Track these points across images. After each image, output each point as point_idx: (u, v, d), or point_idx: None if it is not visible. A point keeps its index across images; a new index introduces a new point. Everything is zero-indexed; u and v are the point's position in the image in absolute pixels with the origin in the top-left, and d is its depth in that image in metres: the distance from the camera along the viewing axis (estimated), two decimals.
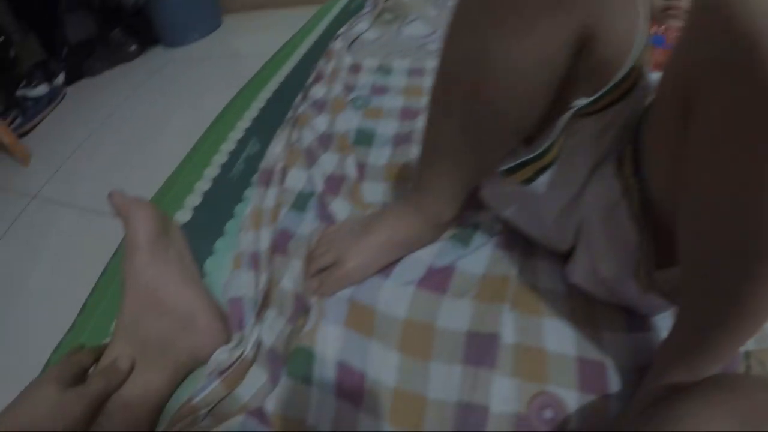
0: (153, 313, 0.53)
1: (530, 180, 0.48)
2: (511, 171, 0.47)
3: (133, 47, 1.71)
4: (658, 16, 0.93)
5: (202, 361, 0.53)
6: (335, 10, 1.42)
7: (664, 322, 0.50)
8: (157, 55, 1.70)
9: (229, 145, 0.86)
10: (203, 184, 0.77)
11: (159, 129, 1.18)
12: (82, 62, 1.71)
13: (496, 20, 0.42)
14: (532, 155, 0.46)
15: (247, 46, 1.60)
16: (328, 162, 0.72)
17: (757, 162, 0.30)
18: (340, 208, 0.64)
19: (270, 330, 0.54)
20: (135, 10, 1.69)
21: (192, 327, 0.53)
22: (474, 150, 0.51)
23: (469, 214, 0.60)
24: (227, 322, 0.56)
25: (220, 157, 0.83)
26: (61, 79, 1.65)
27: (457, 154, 0.52)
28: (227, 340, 0.54)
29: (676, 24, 0.92)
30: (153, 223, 0.56)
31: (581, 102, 0.43)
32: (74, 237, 0.85)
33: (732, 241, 0.33)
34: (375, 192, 0.67)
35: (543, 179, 0.48)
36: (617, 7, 0.42)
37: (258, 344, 0.53)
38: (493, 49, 0.43)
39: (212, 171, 0.80)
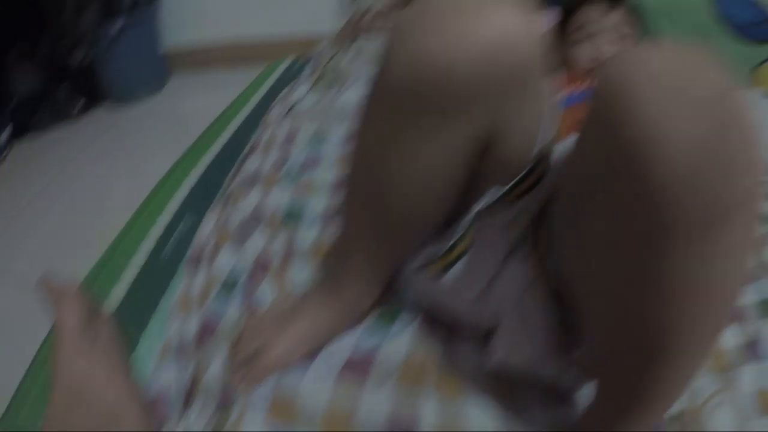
0: (80, 409, 0.52)
1: (444, 270, 0.51)
2: (423, 267, 0.50)
3: (80, 104, 1.72)
4: (583, 73, 0.98)
5: None
6: (277, 73, 1.45)
7: (585, 397, 0.52)
8: (103, 113, 1.73)
9: (164, 218, 0.87)
10: (132, 271, 0.77)
11: (101, 195, 1.18)
12: (28, 117, 1.70)
13: (397, 129, 0.45)
14: (440, 253, 0.49)
15: (193, 105, 1.64)
16: (256, 242, 0.73)
17: (646, 263, 0.33)
18: (267, 292, 0.65)
19: (195, 424, 0.54)
20: (83, 67, 1.71)
21: (119, 424, 0.53)
22: (387, 241, 0.54)
23: (392, 293, 0.62)
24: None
25: (156, 230, 0.84)
26: (7, 133, 1.63)
27: (370, 244, 0.54)
28: None
29: None
30: (80, 313, 0.56)
31: (486, 201, 0.47)
32: (9, 314, 0.84)
33: (633, 334, 0.36)
34: (302, 273, 0.68)
35: (456, 269, 0.51)
36: (517, 110, 0.45)
37: None
38: (395, 156, 0.46)
39: (145, 251, 0.81)
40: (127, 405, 0.54)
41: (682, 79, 0.33)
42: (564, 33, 1.03)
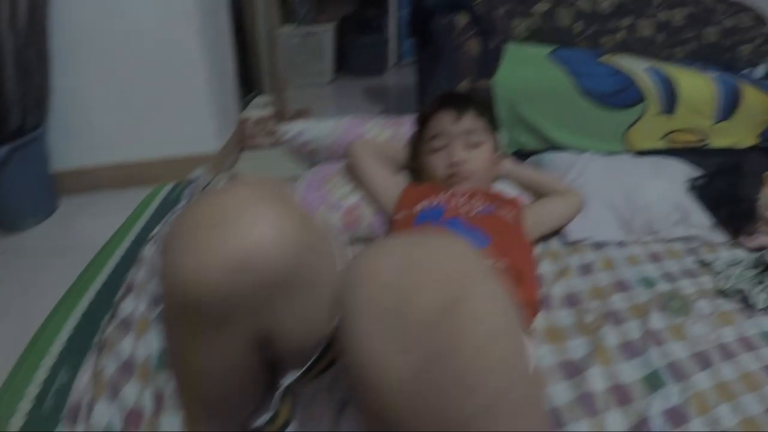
0: None
1: None
2: None
3: None
4: (442, 180, 1.06)
5: None
6: (158, 200, 1.44)
7: None
8: None
9: (40, 374, 0.87)
10: (15, 421, 0.78)
11: None
12: None
13: (185, 334, 0.49)
14: (264, 422, 0.55)
15: (83, 230, 1.67)
16: (128, 394, 0.79)
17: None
18: None
19: None
20: None
21: None
22: (211, 417, 0.58)
23: None
24: None
25: (33, 388, 0.84)
26: None
27: (203, 419, 0.59)
28: None
29: (461, 188, 1.04)
30: None
31: (291, 378, 0.51)
32: None
33: None
34: (172, 425, 0.73)
35: None
36: (289, 308, 0.46)
37: None
38: (191, 355, 0.51)
39: (25, 405, 0.81)
40: None
41: (398, 300, 0.34)
42: (420, 143, 1.11)
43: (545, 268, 1.10)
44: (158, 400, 0.77)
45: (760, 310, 0.96)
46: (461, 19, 1.56)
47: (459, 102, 1.08)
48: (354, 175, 1.19)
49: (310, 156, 1.39)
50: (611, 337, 0.89)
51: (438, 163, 1.06)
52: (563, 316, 0.96)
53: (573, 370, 0.83)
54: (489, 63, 1.57)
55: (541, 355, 0.86)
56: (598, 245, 1.16)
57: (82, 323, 0.99)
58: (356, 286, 0.37)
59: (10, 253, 1.61)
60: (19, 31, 1.63)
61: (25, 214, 1.75)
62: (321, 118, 1.41)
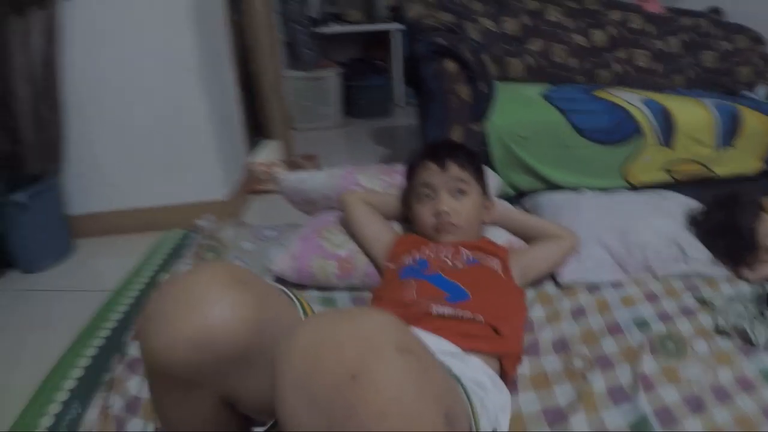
0: None
1: None
2: None
3: None
4: (430, 231, 1.07)
5: None
6: (164, 249, 1.53)
7: None
8: (10, 281, 1.79)
9: (53, 408, 0.97)
10: None
11: (3, 369, 1.27)
12: None
13: (161, 393, 0.60)
14: None
15: (97, 273, 1.75)
16: (133, 430, 0.88)
17: None
18: None
19: None
20: None
21: None
22: None
23: None
24: None
25: (46, 421, 0.94)
26: None
27: None
28: None
29: (448, 239, 1.05)
30: None
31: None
32: None
33: None
34: None
35: None
36: (247, 376, 0.52)
37: None
38: (169, 409, 0.60)
39: None
40: None
41: (309, 368, 0.40)
42: (409, 193, 1.13)
43: (536, 312, 1.09)
44: None
45: (761, 346, 0.93)
46: (450, 65, 1.60)
47: (443, 152, 1.09)
48: (346, 224, 1.22)
49: (308, 205, 1.42)
50: (599, 382, 0.88)
51: (425, 213, 1.08)
52: (551, 362, 0.95)
53: (557, 416, 0.83)
54: (481, 106, 1.60)
55: (525, 401, 0.86)
56: (593, 286, 1.15)
57: (93, 362, 1.08)
58: (282, 354, 0.43)
59: (27, 293, 1.70)
60: (34, 85, 1.75)
61: (41, 255, 1.85)
62: (329, 163, 1.44)
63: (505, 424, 0.77)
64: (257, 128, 2.71)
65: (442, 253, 1.02)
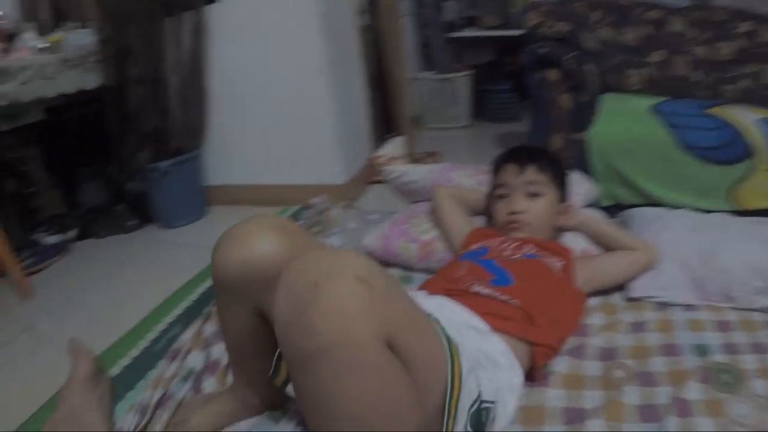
0: (71, 428, 0.89)
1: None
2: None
3: (134, 222, 2.22)
4: (502, 227, 1.17)
5: None
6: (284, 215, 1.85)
7: None
8: (151, 232, 2.20)
9: (160, 326, 1.31)
10: (134, 352, 1.21)
11: (133, 295, 1.61)
12: (91, 225, 2.20)
13: (220, 304, 0.84)
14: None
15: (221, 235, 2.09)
16: (215, 351, 1.11)
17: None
18: (210, 384, 1.02)
19: None
20: (137, 194, 2.22)
21: None
22: (245, 369, 0.89)
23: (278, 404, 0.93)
24: None
25: (152, 334, 1.29)
26: (72, 234, 2.14)
27: (240, 370, 0.91)
28: None
29: (517, 235, 1.12)
30: (89, 368, 0.98)
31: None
32: (51, 370, 1.20)
33: None
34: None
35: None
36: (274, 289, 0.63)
37: None
38: (224, 320, 0.85)
39: (144, 343, 1.25)
40: None
41: (294, 277, 0.57)
42: (492, 191, 1.24)
43: (594, 320, 1.09)
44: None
45: None
46: (551, 75, 1.61)
47: (523, 156, 1.18)
48: (434, 214, 1.36)
49: (409, 195, 1.60)
50: (633, 395, 0.86)
51: (500, 210, 1.18)
52: (591, 367, 0.95)
53: (575, 416, 0.84)
54: (583, 116, 1.58)
55: (551, 396, 0.88)
56: (663, 305, 1.10)
57: (199, 298, 1.44)
58: (283, 271, 0.61)
59: (162, 243, 2.09)
60: (183, 74, 2.15)
61: (180, 215, 2.23)
62: (452, 161, 1.58)
63: (510, 403, 0.82)
64: (390, 124, 2.89)
65: (505, 245, 1.10)
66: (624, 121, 1.58)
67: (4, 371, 1.31)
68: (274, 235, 0.74)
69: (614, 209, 1.55)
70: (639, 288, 1.13)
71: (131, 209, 2.24)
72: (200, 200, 2.31)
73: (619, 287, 1.17)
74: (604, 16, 1.86)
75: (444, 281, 1.03)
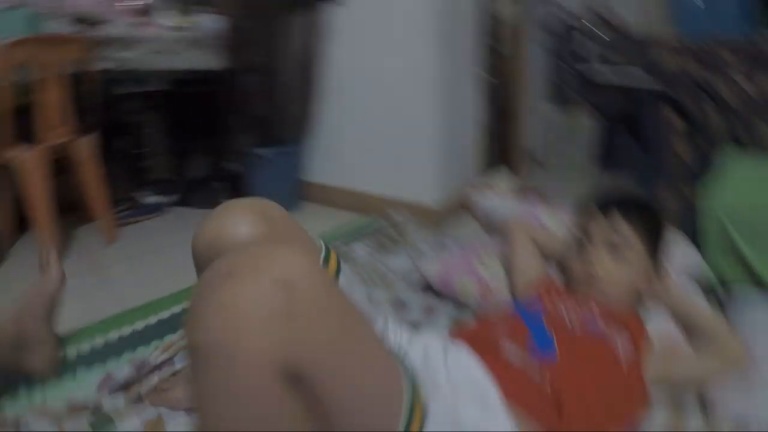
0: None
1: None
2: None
3: (226, 200, 2.33)
4: (578, 284, 0.96)
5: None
6: (356, 227, 1.84)
7: None
8: None
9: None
10: (165, 314, 1.26)
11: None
12: (189, 194, 2.37)
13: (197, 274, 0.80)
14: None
15: (308, 230, 2.11)
16: None
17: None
18: None
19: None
20: (236, 174, 2.33)
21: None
22: None
23: None
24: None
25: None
26: (172, 198, 2.31)
27: None
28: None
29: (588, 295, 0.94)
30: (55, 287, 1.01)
31: None
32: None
33: None
34: None
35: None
36: None
37: None
38: None
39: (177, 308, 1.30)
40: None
41: (215, 265, 0.53)
42: (573, 237, 1.05)
43: (658, 419, 0.87)
44: None
45: None
46: (671, 115, 1.37)
47: (619, 205, 0.98)
48: (506, 249, 1.23)
49: (490, 227, 1.49)
50: None
51: (576, 260, 0.99)
52: None
53: None
54: (699, 169, 1.33)
55: None
56: (746, 424, 0.85)
57: None
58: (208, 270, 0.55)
59: None
60: (298, 70, 2.26)
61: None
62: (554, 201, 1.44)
63: None
64: (500, 155, 2.74)
65: (568, 304, 0.92)
66: (750, 186, 1.29)
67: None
68: (250, 218, 0.72)
69: (718, 287, 1.26)
70: (725, 403, 0.88)
71: (227, 187, 2.37)
72: (295, 193, 2.36)
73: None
74: (736, 60, 1.55)
75: (479, 323, 0.90)
